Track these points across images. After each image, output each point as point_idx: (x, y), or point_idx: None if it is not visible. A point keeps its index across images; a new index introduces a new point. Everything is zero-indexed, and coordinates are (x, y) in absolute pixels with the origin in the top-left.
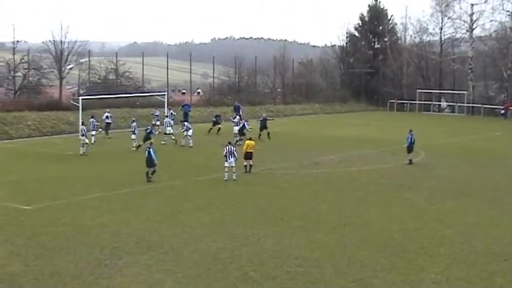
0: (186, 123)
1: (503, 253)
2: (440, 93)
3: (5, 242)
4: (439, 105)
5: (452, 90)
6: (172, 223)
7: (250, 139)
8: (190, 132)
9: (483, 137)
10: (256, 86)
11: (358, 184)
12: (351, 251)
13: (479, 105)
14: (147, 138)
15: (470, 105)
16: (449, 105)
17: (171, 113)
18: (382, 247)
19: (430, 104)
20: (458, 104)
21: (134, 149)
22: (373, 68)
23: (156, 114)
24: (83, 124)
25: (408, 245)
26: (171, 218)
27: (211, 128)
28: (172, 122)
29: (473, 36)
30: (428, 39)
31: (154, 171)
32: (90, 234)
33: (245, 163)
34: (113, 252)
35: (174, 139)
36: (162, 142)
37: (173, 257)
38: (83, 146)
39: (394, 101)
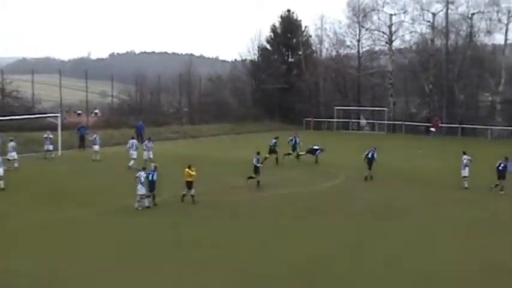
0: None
1: (431, 274)
2: (359, 110)
3: None
4: (358, 123)
5: (371, 106)
6: (65, 257)
7: (189, 167)
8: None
9: (404, 155)
10: (160, 105)
11: (273, 210)
12: (254, 285)
13: (400, 123)
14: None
15: (391, 122)
16: (368, 123)
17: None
18: (291, 277)
19: (349, 122)
20: (378, 122)
21: None
22: (287, 84)
23: (50, 137)
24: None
25: (319, 274)
26: (64, 254)
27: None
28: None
29: (393, 48)
30: (345, 52)
31: (154, 195)
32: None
33: (184, 192)
34: None
35: (10, 167)
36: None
37: None
38: None
39: (310, 119)
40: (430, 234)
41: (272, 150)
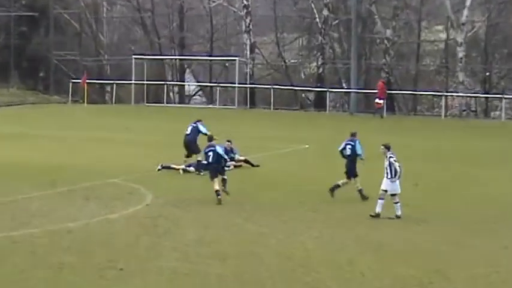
0: None
1: None
2: (181, 61)
3: None
4: (183, 87)
5: (208, 55)
6: None
7: None
8: None
9: (279, 153)
10: None
11: (15, 268)
12: None
13: (267, 87)
14: None
15: (247, 85)
16: (200, 87)
17: None
18: None
19: (164, 86)
20: (221, 85)
21: None
22: (35, 10)
23: None
24: None
25: None
26: None
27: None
28: None
29: None
30: None
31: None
32: None
33: None
34: None
35: None
36: None
37: None
38: None
39: (81, 80)
40: None
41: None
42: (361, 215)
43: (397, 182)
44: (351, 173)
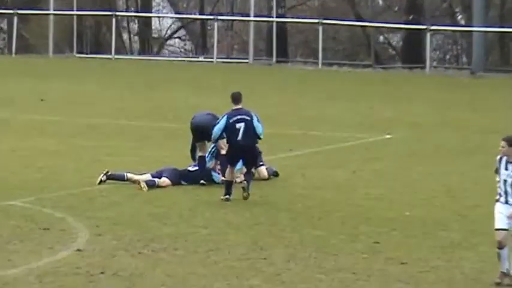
0: None
1: None
2: None
3: None
4: (149, 22)
5: None
6: None
7: None
8: None
9: (336, 148)
10: None
11: None
12: None
13: (312, 21)
14: None
15: (274, 19)
16: (182, 24)
17: None
18: None
19: (111, 19)
20: (225, 18)
21: None
22: None
23: None
24: None
25: None
26: None
27: None
28: None
29: None
30: None
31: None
32: None
33: None
34: None
35: None
36: None
37: None
38: None
39: None
40: None
41: None
42: (477, 271)
43: None
44: None
